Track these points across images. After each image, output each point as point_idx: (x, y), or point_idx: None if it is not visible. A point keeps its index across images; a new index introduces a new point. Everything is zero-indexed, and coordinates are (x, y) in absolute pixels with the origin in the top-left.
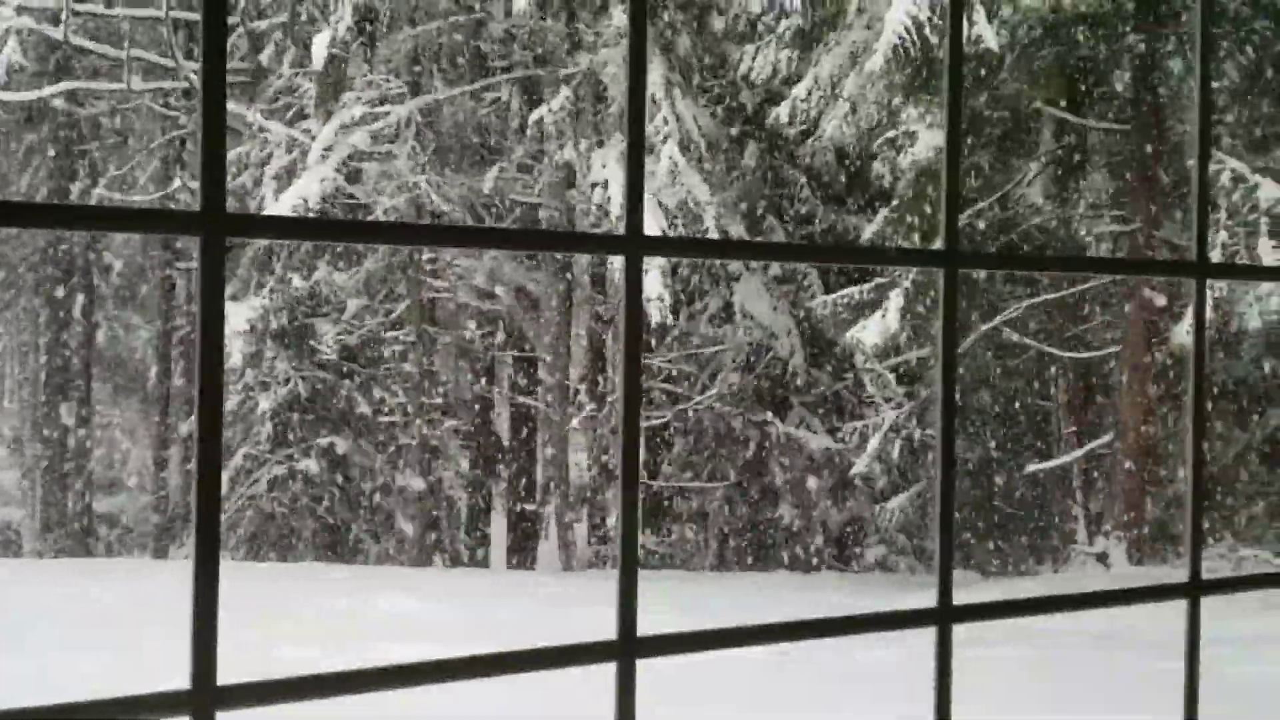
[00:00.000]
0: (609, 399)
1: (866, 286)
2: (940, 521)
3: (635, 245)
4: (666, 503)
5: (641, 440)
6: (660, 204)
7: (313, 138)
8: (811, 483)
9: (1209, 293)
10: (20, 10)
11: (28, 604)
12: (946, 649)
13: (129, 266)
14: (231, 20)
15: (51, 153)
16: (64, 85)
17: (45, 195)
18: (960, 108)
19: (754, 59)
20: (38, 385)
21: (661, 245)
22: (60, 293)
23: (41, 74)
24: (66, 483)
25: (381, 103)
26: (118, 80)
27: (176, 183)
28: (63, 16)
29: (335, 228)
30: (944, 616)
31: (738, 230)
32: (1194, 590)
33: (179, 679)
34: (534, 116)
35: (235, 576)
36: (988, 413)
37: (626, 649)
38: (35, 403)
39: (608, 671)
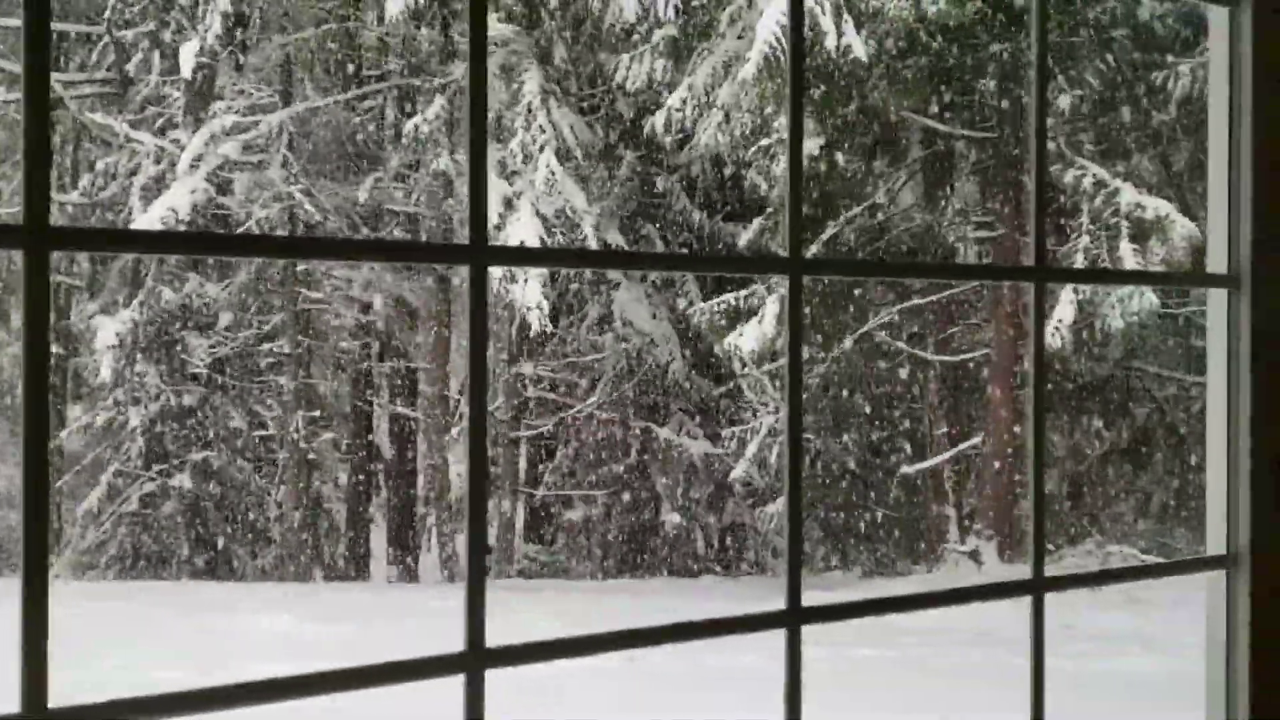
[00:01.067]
0: (490, 409)
1: (743, 293)
2: (789, 523)
3: (480, 255)
4: (550, 512)
5: (523, 448)
6: (538, 212)
7: (182, 148)
8: (693, 489)
9: (1074, 294)
10: None
11: None
12: (796, 650)
13: None
14: (97, 29)
15: None
16: None
17: None
18: (801, 119)
19: (629, 68)
20: None
21: (504, 255)
22: None
23: None
24: None
25: (252, 112)
26: None
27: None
28: None
29: (157, 239)
30: (793, 618)
31: (615, 238)
32: (1037, 587)
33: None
34: (409, 126)
35: (106, 596)
36: (861, 415)
37: (475, 660)
38: None
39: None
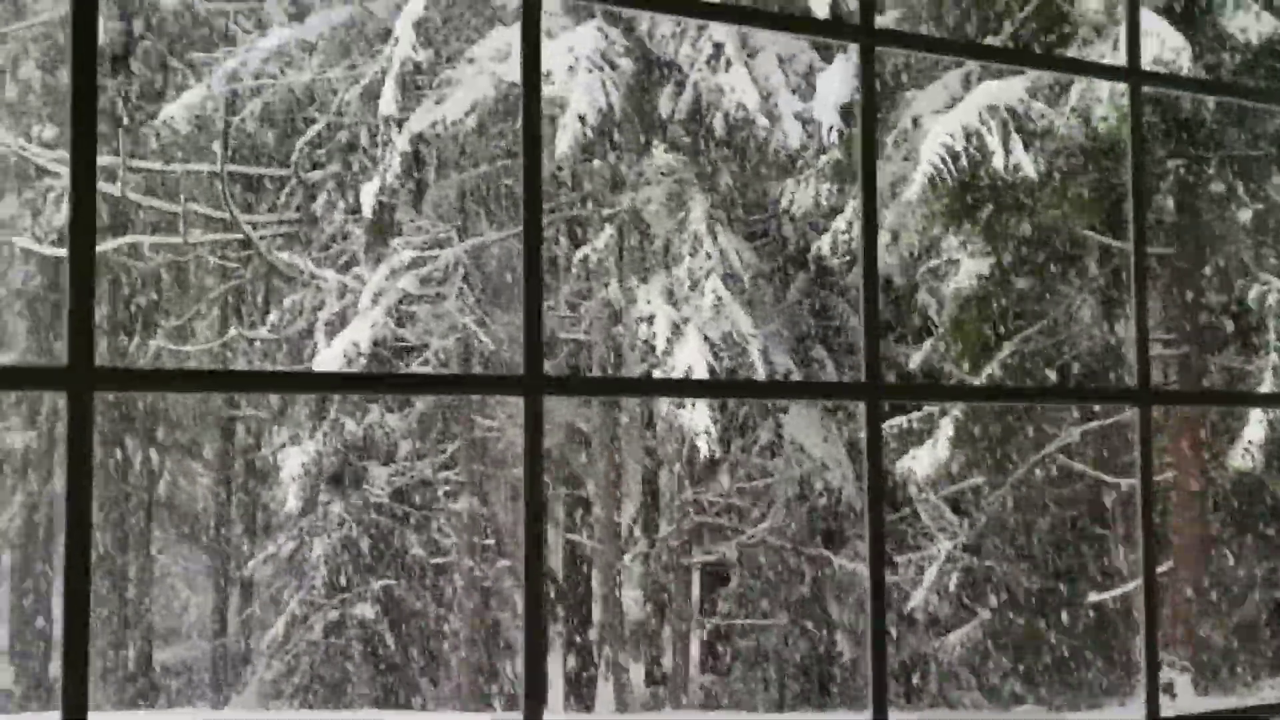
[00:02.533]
0: (660, 536)
1: (916, 415)
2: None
3: (535, 386)
4: (725, 640)
5: (695, 575)
6: (705, 337)
7: (363, 283)
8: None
9: (1265, 414)
10: None
11: None
12: None
13: (189, 414)
14: (285, 172)
15: (108, 307)
16: (122, 239)
17: (105, 348)
18: (875, 235)
19: (794, 193)
20: (99, 536)
21: (560, 385)
22: (123, 441)
23: (100, 229)
24: (127, 633)
25: (430, 246)
26: (174, 233)
27: (233, 331)
28: (119, 174)
29: (207, 378)
30: None
31: (784, 361)
32: None
33: None
34: (578, 255)
35: None
36: (1045, 541)
37: None
38: (98, 554)
39: None
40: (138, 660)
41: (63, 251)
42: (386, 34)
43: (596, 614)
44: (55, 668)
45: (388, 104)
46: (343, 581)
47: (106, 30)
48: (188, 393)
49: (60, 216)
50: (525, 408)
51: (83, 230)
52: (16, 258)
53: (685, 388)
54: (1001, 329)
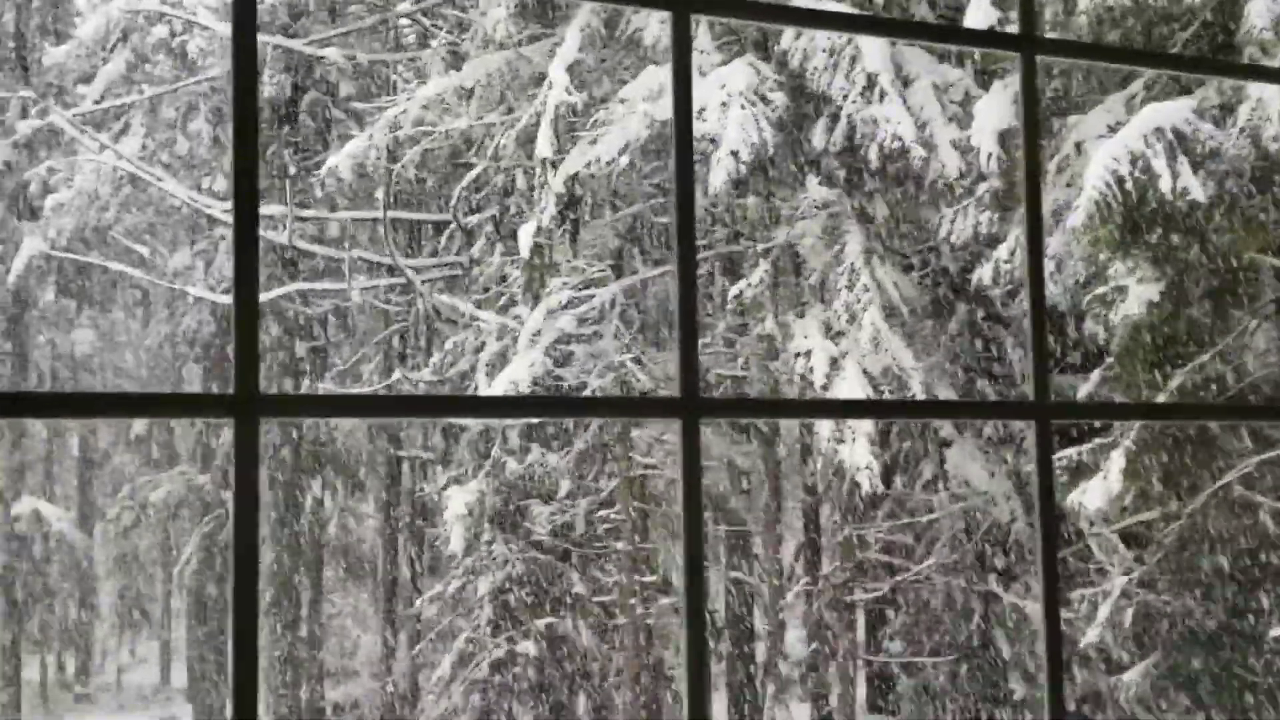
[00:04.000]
0: (823, 573)
1: (1085, 447)
2: None
3: (692, 408)
4: (891, 679)
5: (860, 613)
6: (864, 371)
7: (522, 323)
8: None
9: None
10: None
11: None
12: None
13: (356, 455)
14: (444, 217)
15: (279, 352)
16: (290, 287)
17: (277, 391)
18: (1040, 238)
19: (953, 222)
20: (272, 578)
21: (717, 407)
22: (292, 482)
23: (268, 277)
24: (299, 671)
25: (586, 286)
26: (340, 279)
27: (397, 374)
28: (287, 224)
29: (369, 402)
30: None
31: (946, 394)
32: None
33: None
34: (734, 290)
35: None
36: (1223, 575)
37: None
38: (270, 594)
39: None
40: (309, 698)
41: (228, 299)
42: (541, 78)
43: (760, 652)
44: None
45: (543, 146)
46: (507, 619)
47: (274, 84)
48: (351, 418)
49: (230, 265)
50: (683, 430)
51: (247, 263)
52: (191, 306)
53: (844, 408)
54: (1173, 356)
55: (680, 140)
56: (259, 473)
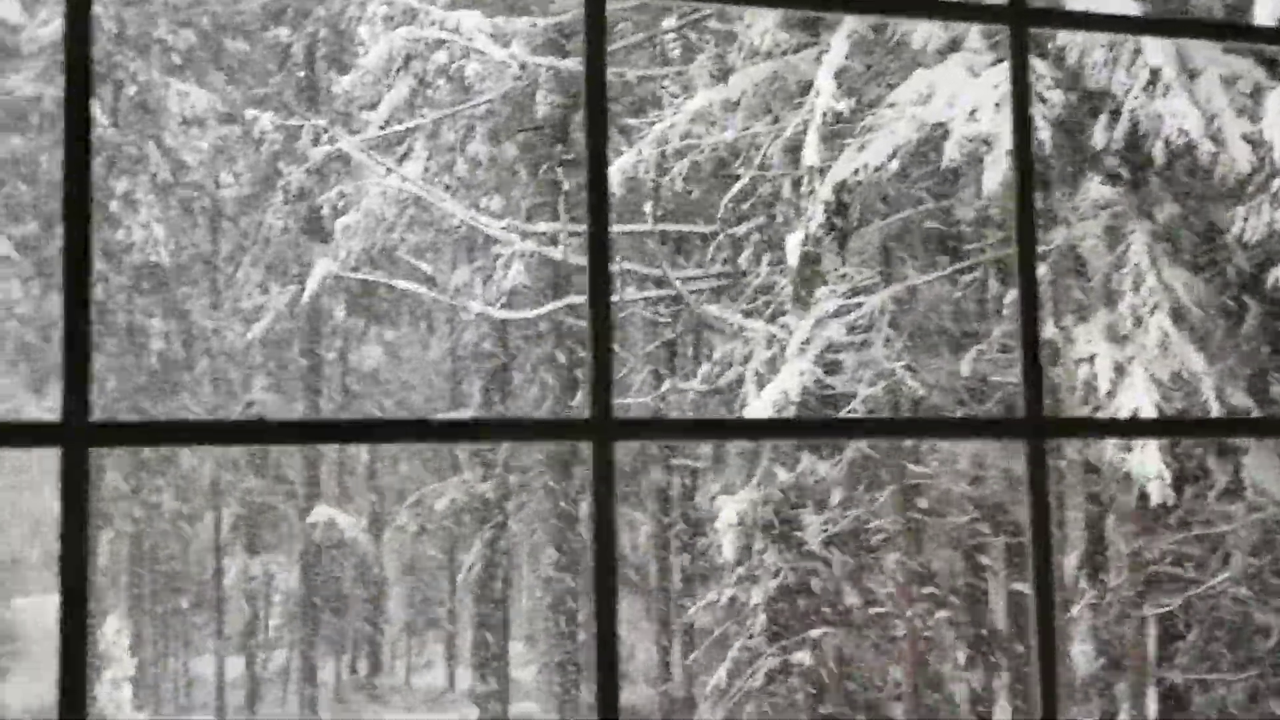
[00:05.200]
0: (1110, 586)
1: None
2: None
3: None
4: (1184, 696)
5: (1151, 628)
6: (1153, 377)
7: (790, 333)
8: None
9: None
10: (525, 236)
11: None
12: None
13: (629, 464)
14: (711, 227)
15: (558, 367)
16: (565, 300)
17: (549, 405)
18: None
19: (1245, 220)
20: (550, 583)
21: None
22: (567, 491)
23: (544, 291)
24: (580, 677)
25: (855, 294)
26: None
27: (666, 384)
28: (561, 238)
29: (713, 427)
30: None
31: (1241, 400)
32: None
33: None
34: (1010, 296)
35: None
36: None
37: None
38: (549, 600)
39: None
40: (590, 704)
41: (511, 314)
42: (808, 86)
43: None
44: (515, 709)
45: (810, 154)
46: (781, 629)
47: (547, 104)
48: (702, 440)
49: (508, 281)
50: (1029, 454)
51: (600, 284)
52: (470, 321)
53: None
54: None
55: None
56: (614, 491)
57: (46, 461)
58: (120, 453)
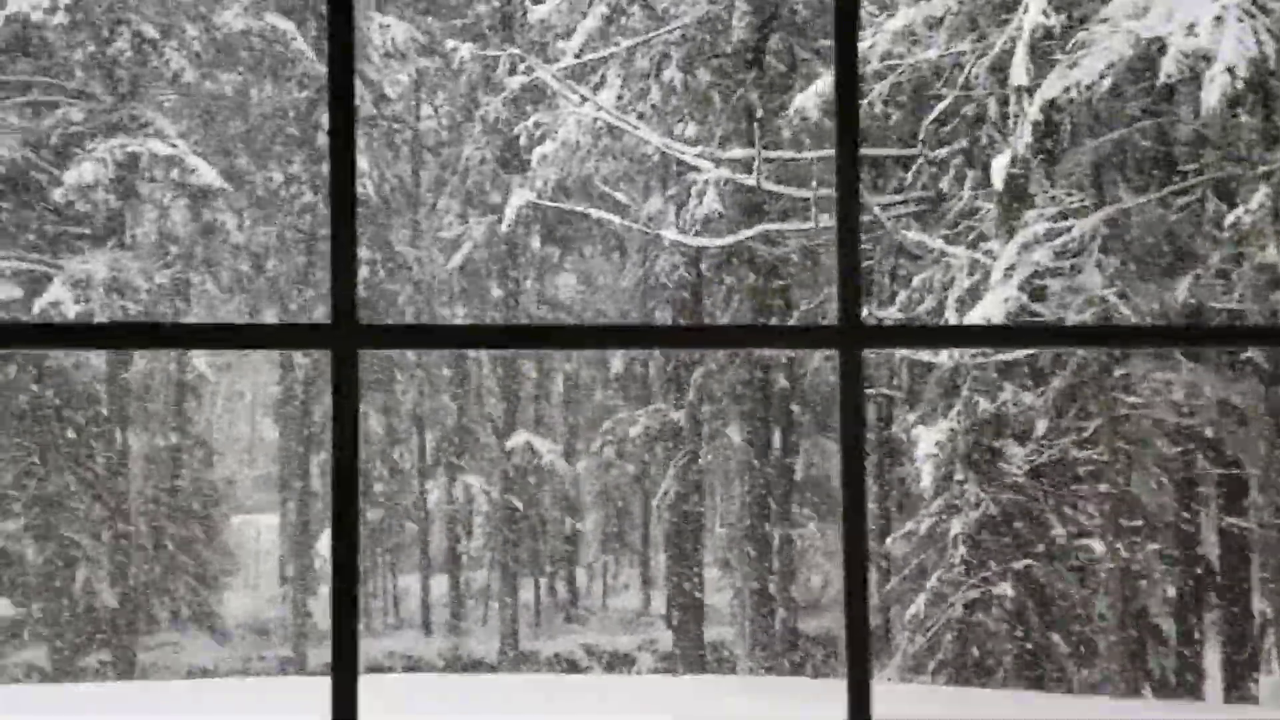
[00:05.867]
0: None
1: None
2: None
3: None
4: None
5: None
6: None
7: (994, 258)
8: None
9: None
10: (718, 162)
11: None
12: None
13: (824, 389)
14: (911, 151)
15: (746, 294)
16: (757, 228)
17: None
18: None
19: None
20: (743, 510)
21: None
22: (761, 420)
23: (737, 219)
24: (773, 604)
25: (1063, 217)
26: (806, 219)
27: (864, 312)
28: (755, 165)
29: (953, 334)
30: None
31: None
32: None
33: None
34: (1230, 218)
35: (932, 700)
36: None
37: None
38: (742, 527)
39: None
40: (782, 629)
41: (704, 242)
42: (1015, 2)
43: (1256, 604)
44: (710, 633)
45: (1018, 73)
46: (982, 560)
47: (741, 26)
48: (953, 348)
49: (701, 208)
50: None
51: (849, 187)
52: (663, 250)
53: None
54: None
55: None
56: (864, 401)
57: (259, 392)
58: (322, 373)
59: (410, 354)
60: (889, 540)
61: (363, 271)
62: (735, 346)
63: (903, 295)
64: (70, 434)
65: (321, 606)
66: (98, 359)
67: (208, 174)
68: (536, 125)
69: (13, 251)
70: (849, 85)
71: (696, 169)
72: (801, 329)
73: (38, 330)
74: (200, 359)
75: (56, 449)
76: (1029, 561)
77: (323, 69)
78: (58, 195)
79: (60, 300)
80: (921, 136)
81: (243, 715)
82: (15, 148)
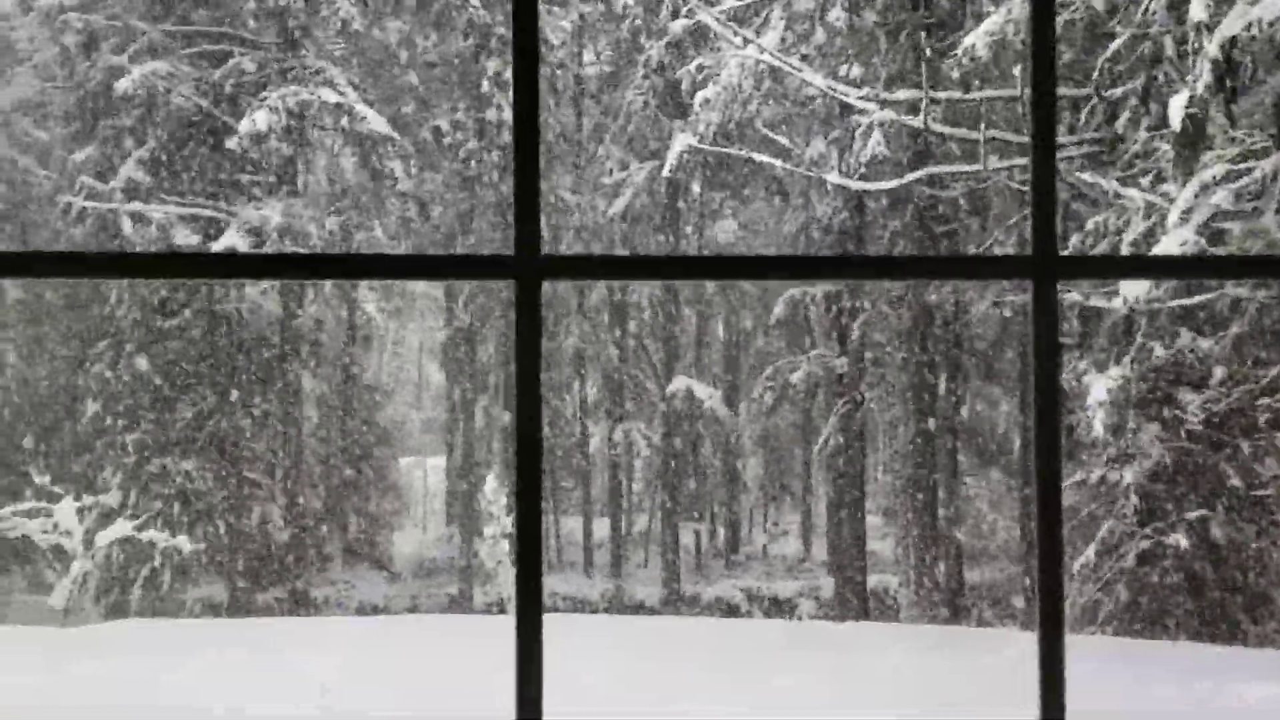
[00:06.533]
0: None
1: None
2: None
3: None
4: None
5: None
6: None
7: (1171, 201)
8: None
9: None
10: (883, 104)
11: (896, 664)
12: None
13: (988, 340)
14: (1084, 91)
15: (919, 234)
16: (924, 170)
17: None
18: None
19: None
20: (907, 458)
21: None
22: (927, 368)
23: (904, 162)
24: (937, 552)
25: (1244, 159)
26: (974, 161)
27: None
28: (922, 105)
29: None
30: None
31: None
32: None
33: None
34: None
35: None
36: None
37: None
38: (906, 474)
39: None
40: (947, 579)
41: (868, 186)
42: None
43: None
44: (872, 580)
45: (1196, 9)
46: (1154, 510)
47: None
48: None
49: (866, 151)
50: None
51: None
52: (826, 194)
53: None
54: None
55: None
56: (1058, 335)
57: (425, 336)
58: (487, 318)
59: (572, 299)
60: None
61: None
62: (928, 278)
63: (1076, 239)
64: (246, 377)
65: (486, 548)
66: (273, 304)
67: (376, 121)
68: (699, 69)
69: (190, 199)
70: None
71: (861, 111)
72: (995, 259)
73: (225, 260)
74: (369, 304)
75: (233, 391)
76: (1203, 512)
77: (487, 16)
78: (232, 143)
79: (235, 246)
80: (1096, 76)
81: (414, 650)
82: (191, 96)
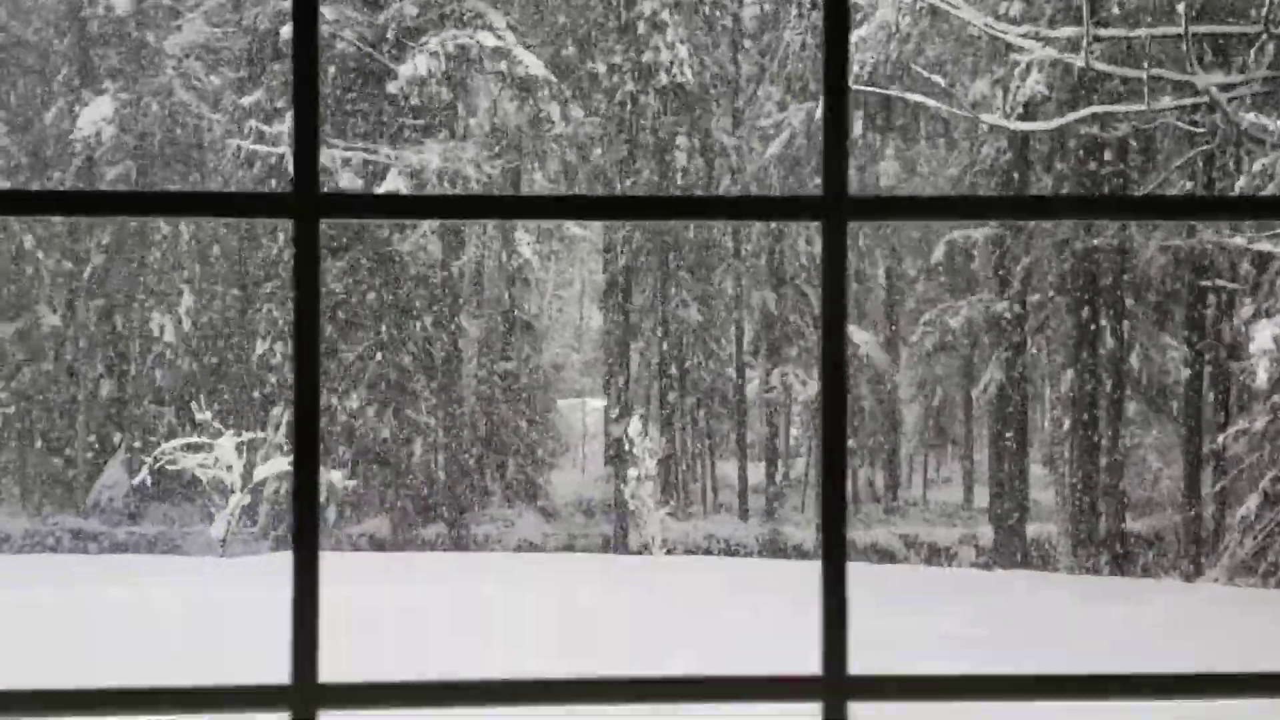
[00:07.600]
0: None
1: None
2: None
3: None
4: None
5: None
6: None
7: None
8: None
9: None
10: (1043, 42)
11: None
12: None
13: (1157, 287)
14: (1254, 29)
15: (1082, 177)
16: (1086, 110)
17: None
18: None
19: None
20: (1070, 405)
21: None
22: (1091, 313)
23: (1065, 101)
24: (1100, 501)
25: None
26: (1138, 101)
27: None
28: (1084, 44)
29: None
30: None
31: None
32: None
33: None
34: None
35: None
36: None
37: None
38: (1069, 422)
39: None
40: (1108, 528)
41: (1030, 126)
42: None
43: None
44: (1033, 529)
45: None
46: None
47: None
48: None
49: (1026, 90)
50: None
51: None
52: (988, 134)
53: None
54: None
55: None
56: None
57: (586, 280)
58: (645, 262)
59: (729, 242)
60: (1221, 438)
61: (680, 159)
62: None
63: (1243, 181)
64: (408, 319)
65: (629, 488)
66: (434, 246)
67: (534, 65)
68: (855, 8)
69: (353, 143)
70: None
71: (1022, 49)
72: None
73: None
74: (525, 247)
75: (396, 332)
76: None
77: None
78: (393, 88)
79: (397, 189)
80: (1266, 13)
81: (571, 588)
82: (354, 42)
